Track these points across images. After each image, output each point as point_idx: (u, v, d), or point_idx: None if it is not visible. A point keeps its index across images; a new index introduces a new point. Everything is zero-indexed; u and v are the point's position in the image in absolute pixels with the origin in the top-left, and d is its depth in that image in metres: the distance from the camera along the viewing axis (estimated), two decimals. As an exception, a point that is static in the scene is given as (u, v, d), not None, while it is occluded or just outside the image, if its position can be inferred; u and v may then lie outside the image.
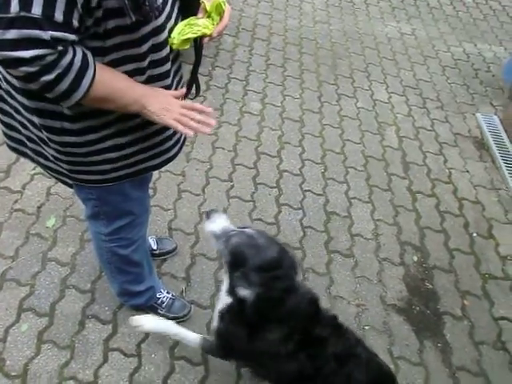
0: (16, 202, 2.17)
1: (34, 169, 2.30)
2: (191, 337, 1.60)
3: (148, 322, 1.65)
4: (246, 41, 3.56)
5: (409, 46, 3.92)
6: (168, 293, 1.85)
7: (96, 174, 1.21)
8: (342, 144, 2.84)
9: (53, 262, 1.95)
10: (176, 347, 1.77)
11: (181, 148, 1.36)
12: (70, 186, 1.30)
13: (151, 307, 1.82)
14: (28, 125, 1.13)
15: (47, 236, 2.04)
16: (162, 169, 2.37)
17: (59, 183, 2.25)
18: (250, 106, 2.98)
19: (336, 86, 3.31)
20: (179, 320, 1.83)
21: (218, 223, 1.34)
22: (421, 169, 2.77)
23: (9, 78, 1.03)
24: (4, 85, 1.09)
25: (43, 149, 1.19)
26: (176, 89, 1.22)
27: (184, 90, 1.20)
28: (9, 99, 1.11)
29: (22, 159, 2.30)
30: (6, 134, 1.27)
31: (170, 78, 1.15)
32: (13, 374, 1.62)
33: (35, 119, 1.08)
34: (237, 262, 1.24)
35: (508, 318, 2.07)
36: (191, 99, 1.14)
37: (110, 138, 1.14)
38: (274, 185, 2.50)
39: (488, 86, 3.60)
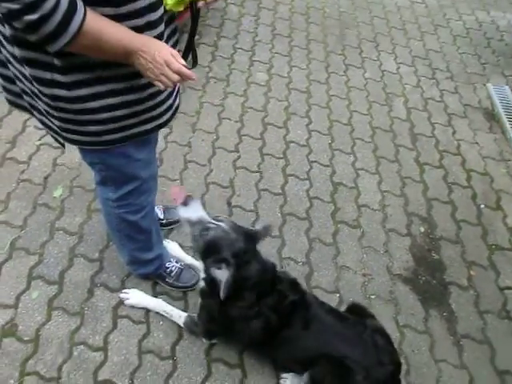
0: (23, 172, 2.17)
1: (39, 139, 2.30)
2: (177, 314, 1.74)
3: (135, 296, 1.79)
4: (252, 10, 3.47)
5: (419, 14, 3.80)
6: (177, 262, 1.87)
7: (87, 135, 1.17)
8: (349, 115, 2.80)
9: (61, 232, 1.97)
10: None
11: (173, 114, 1.32)
12: (63, 144, 1.27)
13: (160, 276, 1.85)
14: (20, 77, 1.10)
15: (54, 206, 2.05)
16: (168, 139, 2.44)
17: (65, 154, 2.29)
18: (257, 77, 2.92)
19: (343, 57, 3.24)
20: (188, 289, 1.86)
21: (195, 211, 1.45)
22: (429, 140, 2.73)
23: (0, 28, 1.00)
24: None
25: (37, 102, 1.16)
26: None
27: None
28: (2, 50, 1.08)
29: (28, 130, 2.34)
30: (4, 87, 1.23)
31: (163, 41, 1.11)
32: (25, 338, 1.67)
33: (26, 70, 1.05)
34: (211, 251, 1.41)
35: (513, 287, 2.09)
36: (189, 69, 1.09)
37: (101, 97, 1.09)
38: (281, 155, 2.48)
39: (500, 55, 3.50)
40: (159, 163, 2.30)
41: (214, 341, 1.73)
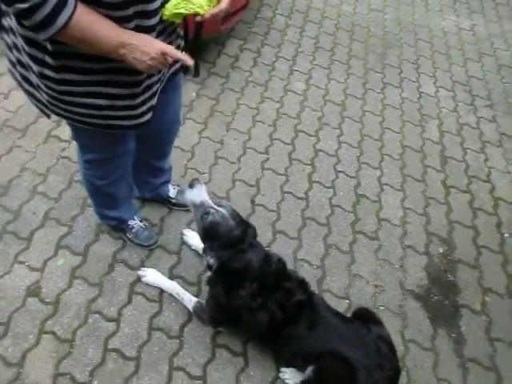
0: (63, 150, 2.32)
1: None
2: (188, 298, 1.81)
3: (152, 275, 1.88)
4: (298, 22, 3.57)
5: (465, 41, 3.79)
6: (141, 221, 1.99)
7: (73, 113, 1.27)
8: (380, 131, 2.83)
9: (91, 208, 2.06)
10: (196, 299, 1.86)
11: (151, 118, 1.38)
12: (48, 115, 1.35)
13: (121, 229, 1.99)
14: (19, 46, 1.18)
15: None
16: (202, 134, 2.55)
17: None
18: (294, 86, 3.01)
19: (382, 75, 3.28)
20: (143, 248, 1.99)
21: (199, 194, 1.52)
22: (459, 164, 2.72)
23: None
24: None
25: (30, 75, 1.24)
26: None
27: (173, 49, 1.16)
28: (7, 18, 1.16)
29: None
30: (6, 55, 1.29)
31: None
32: (47, 300, 1.78)
33: (23, 45, 1.14)
34: (209, 236, 1.49)
35: (530, 321, 2.04)
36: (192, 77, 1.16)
37: (84, 85, 1.18)
38: (309, 162, 2.54)
39: (545, 89, 3.44)
40: (191, 156, 2.41)
41: (219, 328, 1.79)
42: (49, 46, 1.09)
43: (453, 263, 2.19)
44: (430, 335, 1.91)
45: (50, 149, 2.31)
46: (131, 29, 1.08)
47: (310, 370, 1.54)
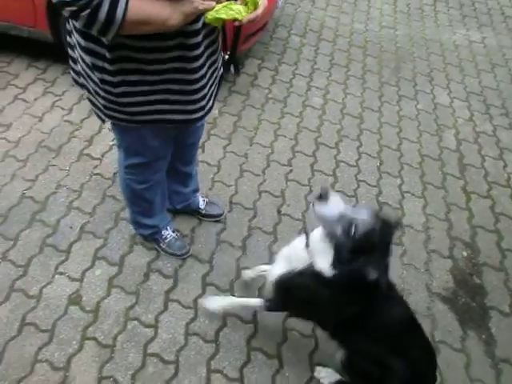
0: (96, 167, 2.44)
1: (112, 140, 2.57)
2: (253, 303, 1.77)
3: (212, 303, 1.86)
4: (313, 41, 3.72)
5: (477, 53, 3.90)
6: (173, 232, 2.09)
7: (124, 114, 1.40)
8: (398, 142, 2.91)
9: (124, 221, 2.18)
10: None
11: (204, 115, 1.50)
12: (103, 120, 1.50)
13: (155, 240, 2.08)
14: (80, 60, 1.35)
15: (120, 199, 2.25)
16: (227, 149, 2.67)
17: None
18: (313, 101, 3.13)
19: (397, 88, 3.38)
20: (177, 257, 2.07)
21: (336, 206, 1.29)
22: (478, 171, 2.78)
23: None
24: (69, 25, 1.32)
25: (88, 83, 1.40)
26: (205, 63, 1.37)
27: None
28: (72, 36, 1.33)
29: (103, 131, 2.65)
30: (71, 67, 1.47)
31: (200, 51, 1.31)
32: (87, 308, 1.86)
33: (86, 57, 1.29)
34: (363, 249, 1.26)
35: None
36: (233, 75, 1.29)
37: (138, 85, 1.31)
38: (331, 173, 2.63)
39: (558, 96, 3.50)
40: (217, 170, 2.52)
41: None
42: (107, 54, 1.23)
43: (478, 266, 2.23)
44: (460, 336, 1.94)
45: (82, 166, 2.43)
46: (177, 32, 1.20)
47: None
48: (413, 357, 1.46)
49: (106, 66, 1.27)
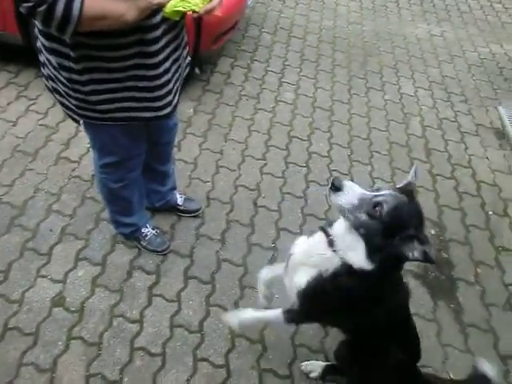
0: (74, 170, 2.43)
1: (89, 142, 2.59)
2: (273, 315, 1.58)
3: (232, 319, 1.73)
4: (283, 38, 3.81)
5: (437, 46, 4.08)
6: (153, 229, 2.11)
7: (95, 112, 1.43)
8: (368, 131, 3.03)
9: (104, 222, 2.18)
10: (211, 295, 1.98)
11: (172, 111, 1.54)
12: (78, 121, 1.53)
13: (136, 238, 2.11)
14: (47, 63, 1.37)
15: (100, 200, 2.23)
16: (203, 146, 2.72)
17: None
18: (284, 96, 3.21)
19: (365, 80, 3.51)
20: (158, 253, 2.10)
21: (353, 192, 1.19)
22: (442, 155, 2.93)
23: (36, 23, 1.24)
24: (36, 30, 1.35)
25: (58, 86, 1.41)
26: (168, 58, 1.40)
27: None
28: (39, 40, 1.35)
29: (80, 134, 2.64)
30: (42, 73, 1.48)
31: (160, 46, 1.34)
32: (72, 309, 1.86)
33: (52, 58, 1.32)
34: (396, 227, 1.15)
35: (518, 284, 2.20)
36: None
37: (105, 82, 1.34)
38: (304, 164, 2.72)
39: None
40: (193, 167, 2.57)
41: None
42: (71, 53, 1.27)
43: (445, 242, 2.37)
44: (431, 307, 2.06)
45: (60, 170, 2.41)
46: (136, 28, 1.24)
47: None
48: (406, 342, 1.49)
49: (72, 65, 1.30)
